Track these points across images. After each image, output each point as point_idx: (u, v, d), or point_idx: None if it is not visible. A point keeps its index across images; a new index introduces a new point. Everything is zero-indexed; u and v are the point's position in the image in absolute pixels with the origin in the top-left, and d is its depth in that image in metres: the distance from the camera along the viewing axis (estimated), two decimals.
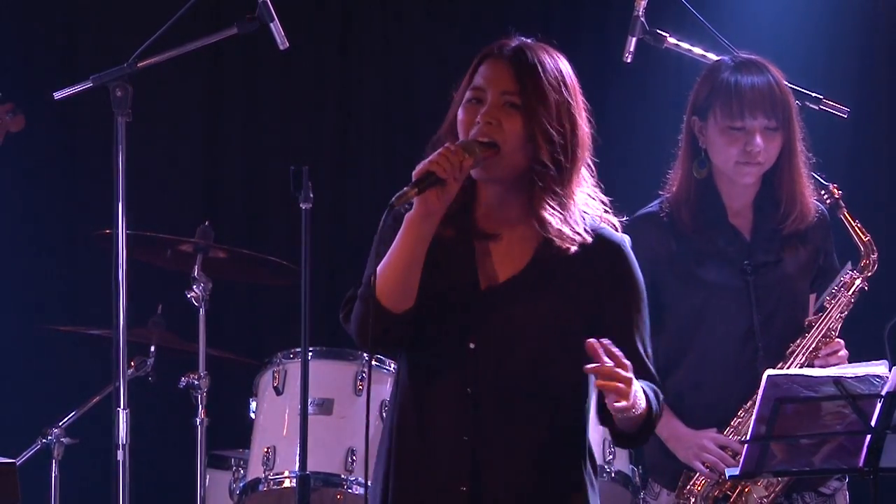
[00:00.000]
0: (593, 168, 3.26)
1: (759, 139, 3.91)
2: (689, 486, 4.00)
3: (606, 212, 3.26)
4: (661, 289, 4.00)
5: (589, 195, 3.25)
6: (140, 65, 4.33)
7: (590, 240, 3.18)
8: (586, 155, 3.23)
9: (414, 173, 3.09)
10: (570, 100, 3.19)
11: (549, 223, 3.15)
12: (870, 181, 6.04)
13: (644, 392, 3.14)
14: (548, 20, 6.66)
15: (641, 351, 3.24)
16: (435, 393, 3.20)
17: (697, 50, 4.42)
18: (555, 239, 3.15)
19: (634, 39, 4.42)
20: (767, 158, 3.95)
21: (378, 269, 3.15)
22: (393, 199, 3.06)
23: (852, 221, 3.95)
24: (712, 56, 4.38)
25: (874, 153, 6.20)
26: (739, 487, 3.96)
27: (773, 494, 3.94)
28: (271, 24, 4.37)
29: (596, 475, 3.29)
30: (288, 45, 4.42)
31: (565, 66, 3.22)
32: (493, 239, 3.21)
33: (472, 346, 3.16)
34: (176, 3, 4.41)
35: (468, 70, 3.22)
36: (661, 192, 4.10)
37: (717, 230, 4.02)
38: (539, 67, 3.16)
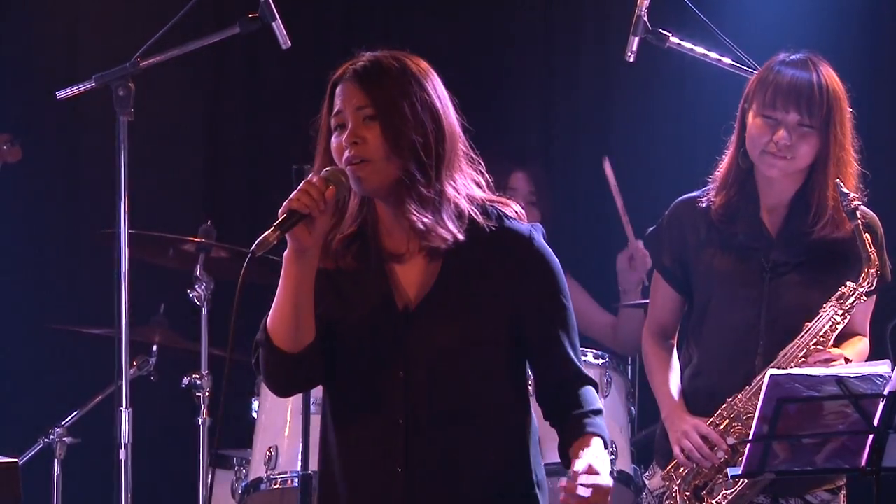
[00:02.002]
0: (473, 156, 3.20)
1: (784, 132, 3.90)
2: (669, 469, 4.01)
3: (496, 199, 3.20)
4: (690, 275, 4.03)
5: (474, 183, 3.19)
6: (142, 64, 4.34)
7: (461, 236, 3.12)
8: (458, 146, 3.17)
9: (279, 213, 3.06)
10: (427, 97, 3.12)
11: (420, 228, 3.09)
12: (871, 182, 6.03)
13: (599, 443, 3.10)
14: (549, 20, 6.66)
15: (568, 349, 3.19)
16: (363, 426, 3.13)
17: (700, 49, 4.43)
18: (434, 242, 3.10)
19: (637, 39, 4.42)
20: (797, 156, 3.93)
21: (270, 313, 3.15)
22: (253, 246, 3.04)
23: (863, 233, 3.93)
24: (714, 56, 4.39)
25: (875, 154, 6.18)
26: (717, 479, 3.96)
27: (737, 490, 3.93)
28: (273, 24, 4.38)
29: (542, 490, 3.22)
30: (290, 44, 4.43)
31: (418, 68, 3.16)
32: (399, 258, 3.16)
33: (401, 374, 3.10)
34: (178, 3, 4.42)
35: (325, 99, 3.18)
36: (708, 179, 4.10)
37: (745, 223, 4.01)
38: (384, 75, 3.12)
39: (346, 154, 3.09)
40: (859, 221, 3.89)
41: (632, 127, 6.43)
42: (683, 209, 4.08)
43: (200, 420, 5.30)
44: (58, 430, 5.46)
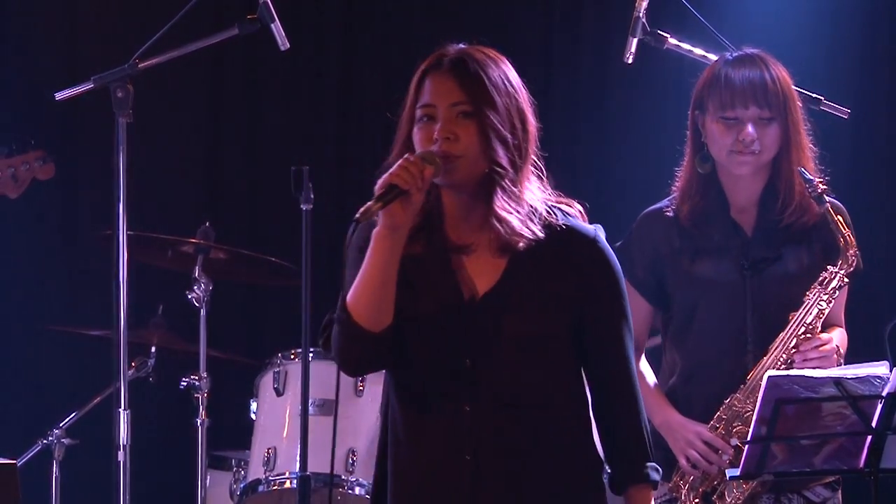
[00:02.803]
0: (538, 159, 3.24)
1: (750, 128, 3.93)
2: (675, 480, 4.00)
3: (561, 199, 3.24)
4: (666, 284, 4.03)
5: (538, 187, 3.22)
6: (141, 65, 4.33)
7: (542, 234, 3.15)
8: (534, 149, 3.22)
9: (376, 187, 3.07)
10: (517, 98, 3.17)
11: (510, 223, 3.12)
12: (870, 182, 6.04)
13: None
14: (549, 21, 6.66)
15: (628, 356, 3.22)
16: (430, 414, 3.16)
17: (698, 51, 4.43)
18: (515, 237, 3.13)
19: (635, 40, 4.42)
20: (763, 148, 3.96)
21: (351, 289, 3.13)
22: (357, 214, 3.03)
23: (834, 216, 3.95)
24: (713, 57, 4.39)
25: (874, 154, 6.20)
26: (723, 482, 3.96)
27: (748, 491, 3.93)
28: (272, 25, 4.37)
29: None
30: (288, 45, 4.43)
31: (506, 65, 3.20)
32: (465, 250, 3.18)
33: (468, 362, 3.13)
34: (177, 4, 4.42)
35: (411, 87, 3.19)
36: (671, 190, 4.11)
37: (717, 225, 4.03)
38: (482, 72, 3.14)
39: (436, 148, 3.10)
40: (828, 205, 3.91)
41: (630, 128, 6.43)
42: (652, 220, 4.09)
43: (199, 421, 5.30)
44: (56, 431, 5.46)
